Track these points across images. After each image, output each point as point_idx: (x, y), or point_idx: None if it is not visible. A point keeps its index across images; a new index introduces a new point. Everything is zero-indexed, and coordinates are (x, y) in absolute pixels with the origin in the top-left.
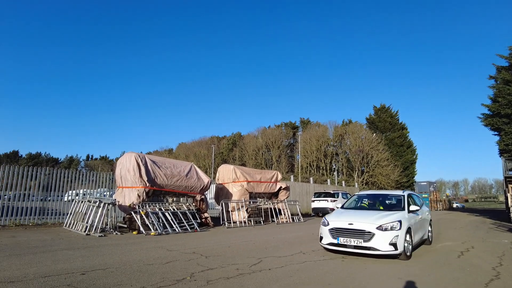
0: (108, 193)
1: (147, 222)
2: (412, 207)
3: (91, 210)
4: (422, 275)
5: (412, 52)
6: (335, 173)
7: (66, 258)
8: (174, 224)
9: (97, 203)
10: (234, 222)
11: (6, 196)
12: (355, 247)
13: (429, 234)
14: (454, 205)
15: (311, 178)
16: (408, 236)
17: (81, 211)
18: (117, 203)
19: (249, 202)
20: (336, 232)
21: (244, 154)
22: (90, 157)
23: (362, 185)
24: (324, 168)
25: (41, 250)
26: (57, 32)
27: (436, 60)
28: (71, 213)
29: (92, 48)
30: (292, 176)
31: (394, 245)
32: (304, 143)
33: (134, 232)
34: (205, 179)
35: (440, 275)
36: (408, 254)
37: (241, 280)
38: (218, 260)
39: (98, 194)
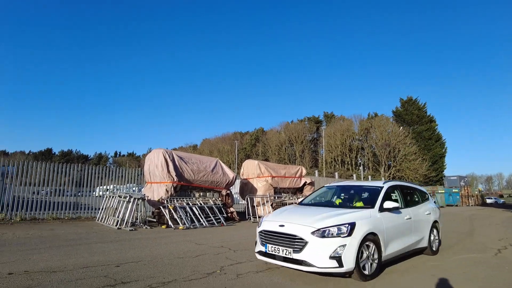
0: (136, 188)
1: (175, 216)
2: (388, 204)
3: (122, 205)
4: None
5: (440, 41)
6: (361, 167)
7: (101, 250)
8: (201, 218)
9: (128, 198)
10: (259, 217)
11: (43, 192)
12: (284, 259)
13: (433, 239)
14: (488, 201)
15: (336, 173)
16: (371, 246)
17: (112, 206)
18: (146, 198)
19: (274, 197)
20: (265, 236)
21: (267, 149)
22: (118, 153)
23: (389, 180)
24: (349, 162)
25: (77, 242)
26: (86, 33)
27: (465, 48)
28: (102, 208)
29: (116, 48)
30: (316, 171)
31: (338, 259)
32: (328, 138)
33: (163, 226)
34: (230, 174)
35: (475, 273)
36: (368, 272)
37: (271, 274)
38: (246, 254)
39: (126, 190)
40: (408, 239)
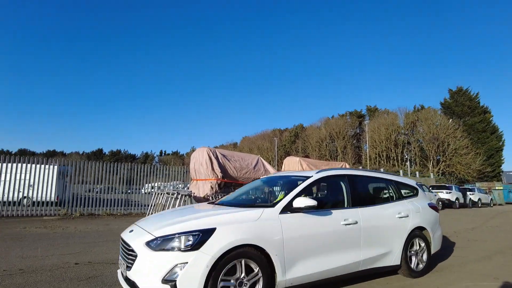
0: (181, 185)
1: None
2: (299, 202)
3: (170, 202)
4: None
5: (492, 25)
6: (408, 163)
7: None
8: None
9: (175, 195)
10: None
11: (96, 189)
12: (122, 275)
13: (414, 254)
14: None
15: (381, 169)
16: (253, 266)
17: (161, 203)
18: (192, 195)
19: None
20: (121, 246)
21: (307, 145)
22: (163, 152)
23: (438, 175)
24: (395, 158)
25: None
26: (145, 38)
27: None
28: (151, 205)
29: (161, 48)
30: (360, 167)
31: (173, 284)
32: (372, 132)
33: None
34: (272, 171)
35: None
36: None
37: None
38: None
39: (172, 187)
40: (349, 254)
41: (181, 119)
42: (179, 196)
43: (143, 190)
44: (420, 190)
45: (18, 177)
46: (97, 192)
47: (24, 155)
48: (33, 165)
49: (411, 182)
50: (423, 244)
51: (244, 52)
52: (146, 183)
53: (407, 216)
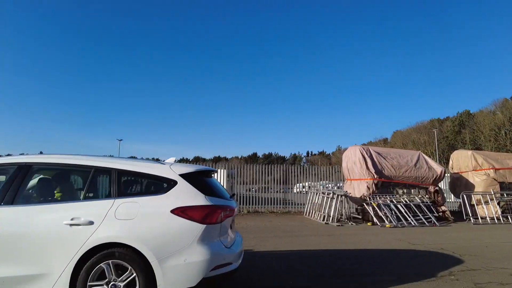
0: (330, 185)
1: (380, 214)
2: None
3: (326, 202)
4: None
5: None
6: None
7: (317, 242)
8: (409, 217)
9: (331, 195)
10: (482, 218)
11: (253, 189)
12: None
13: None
14: None
15: None
16: None
17: (317, 202)
18: (348, 195)
19: (502, 194)
20: None
21: (478, 135)
22: (310, 153)
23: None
24: None
25: (295, 234)
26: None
27: None
28: (308, 204)
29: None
30: None
31: None
32: None
33: (368, 223)
34: (438, 168)
35: None
36: None
37: None
38: (477, 260)
39: (321, 186)
40: None
41: (326, 119)
42: (335, 196)
43: (294, 189)
44: (182, 184)
45: None
46: (255, 191)
47: (198, 161)
48: None
49: (149, 169)
50: (132, 276)
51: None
52: (297, 182)
53: (91, 224)
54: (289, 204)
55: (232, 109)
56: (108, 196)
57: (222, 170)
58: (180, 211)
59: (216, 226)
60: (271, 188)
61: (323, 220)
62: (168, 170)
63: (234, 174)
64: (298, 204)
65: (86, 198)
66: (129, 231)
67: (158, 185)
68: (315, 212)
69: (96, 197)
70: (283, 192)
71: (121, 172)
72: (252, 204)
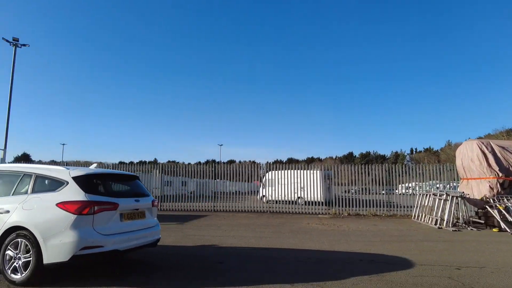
0: (439, 185)
1: (509, 218)
2: None
3: (438, 204)
4: None
5: None
6: None
7: (430, 249)
8: None
9: (444, 197)
10: None
11: (352, 190)
12: None
13: (13, 257)
14: None
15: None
16: None
17: (427, 205)
18: (465, 196)
19: None
20: None
21: None
22: (414, 150)
23: None
24: None
25: (403, 239)
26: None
27: None
28: (417, 206)
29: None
30: None
31: None
32: None
33: (494, 229)
34: None
35: None
36: None
37: None
38: None
39: (428, 187)
40: None
41: (432, 111)
42: (449, 198)
43: (397, 191)
44: (71, 185)
45: (293, 181)
46: (353, 193)
47: (292, 163)
48: (303, 171)
49: (55, 173)
50: (31, 250)
51: None
52: (400, 183)
53: (7, 212)
54: (393, 207)
55: (326, 109)
56: (26, 192)
57: (315, 171)
58: (62, 204)
59: (88, 217)
60: (372, 190)
61: (435, 224)
62: (66, 173)
63: (331, 175)
64: (404, 206)
65: (14, 194)
66: (28, 218)
67: (56, 185)
68: (425, 216)
69: (20, 193)
70: (386, 193)
71: (38, 175)
72: (352, 207)
